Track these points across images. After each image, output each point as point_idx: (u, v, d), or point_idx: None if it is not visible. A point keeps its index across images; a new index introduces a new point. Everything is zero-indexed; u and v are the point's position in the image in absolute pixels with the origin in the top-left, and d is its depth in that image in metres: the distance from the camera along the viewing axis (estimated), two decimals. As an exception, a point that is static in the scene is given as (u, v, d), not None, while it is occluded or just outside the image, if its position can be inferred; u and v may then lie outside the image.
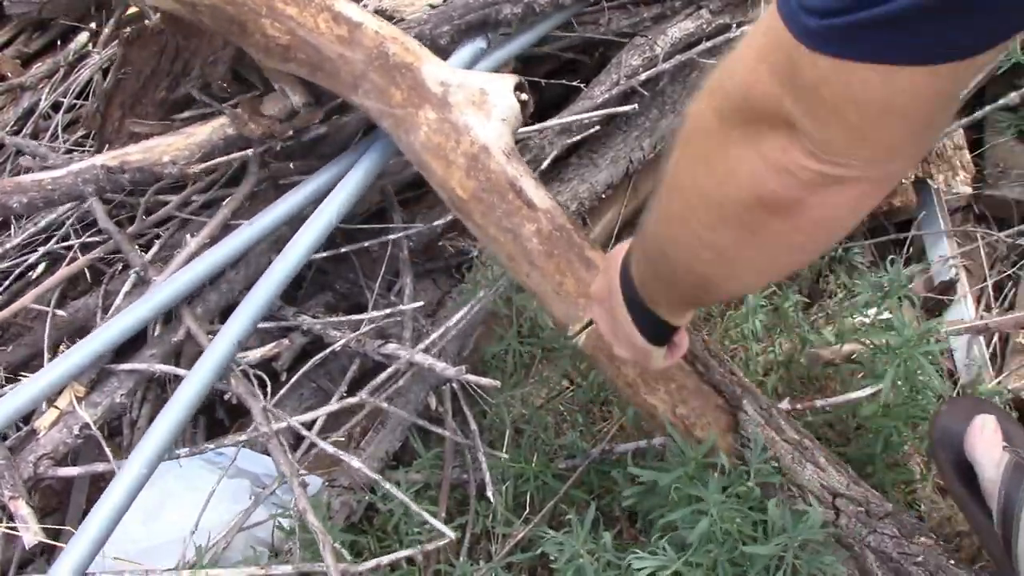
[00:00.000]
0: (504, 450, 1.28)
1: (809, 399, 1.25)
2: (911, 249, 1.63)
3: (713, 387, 1.04)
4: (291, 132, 1.25)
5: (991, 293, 1.54)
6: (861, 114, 0.45)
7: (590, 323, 1.02)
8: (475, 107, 1.09)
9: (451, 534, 1.09)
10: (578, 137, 1.46)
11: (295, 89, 1.24)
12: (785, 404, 1.19)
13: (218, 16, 1.15)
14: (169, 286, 1.16)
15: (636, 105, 1.53)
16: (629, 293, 0.74)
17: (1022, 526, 0.97)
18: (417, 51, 1.14)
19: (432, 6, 1.42)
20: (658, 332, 0.77)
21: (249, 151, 1.28)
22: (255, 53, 1.20)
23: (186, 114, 1.34)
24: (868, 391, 1.16)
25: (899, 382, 1.13)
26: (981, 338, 1.44)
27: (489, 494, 1.18)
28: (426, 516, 1.08)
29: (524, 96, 1.15)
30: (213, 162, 1.24)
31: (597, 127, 1.49)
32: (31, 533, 1.00)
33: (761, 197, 0.52)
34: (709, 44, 1.57)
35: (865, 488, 1.02)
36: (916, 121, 0.46)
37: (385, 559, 1.04)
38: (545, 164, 1.49)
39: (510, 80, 1.13)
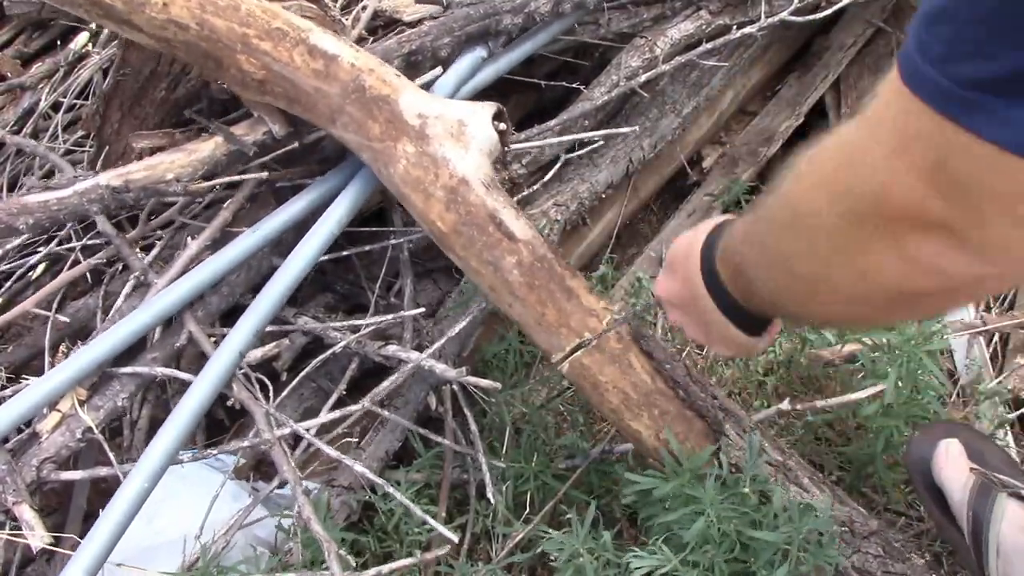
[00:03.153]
0: (504, 450, 1.28)
1: (810, 399, 1.25)
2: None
3: (695, 412, 1.05)
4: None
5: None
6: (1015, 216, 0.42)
7: (572, 351, 1.05)
8: (453, 139, 1.09)
9: (453, 537, 1.09)
10: (580, 152, 1.47)
11: (274, 118, 1.24)
12: (785, 404, 1.20)
13: (192, 51, 1.15)
14: (170, 294, 1.16)
15: (636, 128, 1.55)
16: (720, 295, 0.72)
17: (991, 546, 0.98)
18: (394, 82, 1.13)
19: (433, 16, 1.42)
20: (756, 324, 0.74)
21: (252, 175, 1.29)
22: (232, 86, 1.20)
23: (187, 130, 1.34)
24: (869, 391, 1.16)
25: (900, 382, 1.14)
26: (981, 338, 1.44)
27: (489, 495, 1.18)
28: (428, 520, 1.09)
29: (503, 125, 1.14)
30: (216, 182, 1.24)
31: (599, 142, 1.50)
32: (38, 539, 1.00)
33: (907, 292, 0.50)
34: (709, 45, 1.57)
35: (851, 507, 1.03)
36: None
37: (386, 568, 1.04)
38: (550, 175, 1.50)
39: (488, 109, 1.12)
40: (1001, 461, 1.09)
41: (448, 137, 1.09)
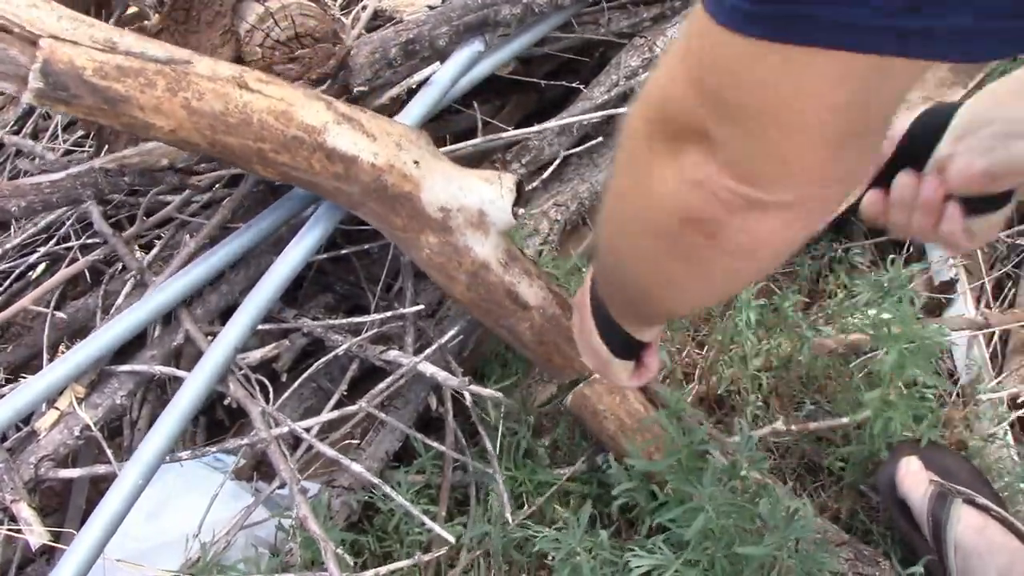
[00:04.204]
0: (504, 450, 1.28)
1: (803, 423, 1.29)
2: (911, 249, 1.63)
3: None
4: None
5: (990, 293, 1.54)
6: (781, 123, 0.39)
7: (573, 384, 1.22)
8: (474, 228, 1.12)
9: (450, 537, 1.09)
10: (580, 148, 1.48)
11: None
12: (779, 425, 1.24)
13: (203, 151, 1.12)
14: (166, 290, 1.16)
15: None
16: (595, 302, 0.72)
17: (949, 545, 1.07)
18: (415, 176, 1.11)
19: (431, 7, 1.43)
20: (623, 346, 0.74)
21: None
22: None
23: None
24: (859, 416, 1.20)
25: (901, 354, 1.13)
26: (981, 338, 1.44)
27: (502, 494, 1.19)
28: (425, 520, 1.09)
29: (521, 210, 1.17)
30: (211, 166, 1.24)
31: (598, 138, 1.51)
32: (36, 536, 1.00)
33: (682, 217, 0.47)
34: (708, 44, 1.57)
35: (824, 521, 1.15)
36: (851, 132, 0.39)
37: (384, 569, 1.04)
38: (548, 172, 1.50)
39: (509, 195, 1.13)
40: (967, 472, 1.17)
41: (469, 227, 1.12)
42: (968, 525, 1.08)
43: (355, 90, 1.35)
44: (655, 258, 0.54)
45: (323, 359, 1.20)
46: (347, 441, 1.24)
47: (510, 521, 1.17)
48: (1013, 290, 1.54)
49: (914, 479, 1.15)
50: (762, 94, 0.38)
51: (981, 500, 1.10)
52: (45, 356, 1.27)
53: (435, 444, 1.23)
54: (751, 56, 0.37)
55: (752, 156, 0.41)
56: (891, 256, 1.33)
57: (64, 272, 1.34)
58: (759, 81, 0.38)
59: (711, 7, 0.38)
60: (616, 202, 0.57)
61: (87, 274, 1.45)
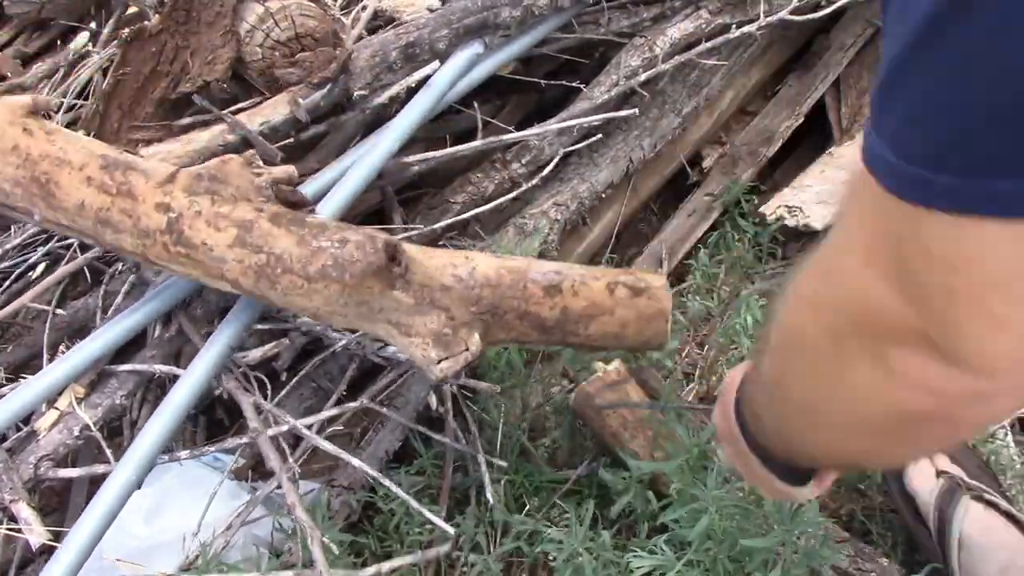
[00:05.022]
0: (504, 450, 1.28)
1: None
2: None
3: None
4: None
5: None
6: (1012, 299, 0.36)
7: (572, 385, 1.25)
8: None
9: (450, 530, 1.09)
10: (580, 145, 1.47)
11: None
12: None
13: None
14: (166, 289, 1.17)
15: (636, 110, 1.54)
16: (752, 443, 0.66)
17: (953, 540, 1.08)
18: None
19: (431, 9, 1.43)
20: (799, 474, 0.67)
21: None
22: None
23: (185, 120, 1.34)
24: None
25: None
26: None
27: (488, 495, 1.18)
28: (427, 514, 1.08)
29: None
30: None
31: (598, 135, 1.51)
32: (36, 535, 0.99)
33: (903, 415, 0.44)
34: (708, 44, 1.57)
35: (825, 519, 1.14)
36: None
37: (386, 565, 1.03)
38: (546, 171, 1.50)
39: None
40: (975, 466, 1.18)
41: None
42: (975, 520, 1.08)
43: (355, 94, 1.35)
44: (861, 445, 0.52)
45: (321, 355, 1.20)
46: (345, 439, 1.24)
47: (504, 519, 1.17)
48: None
49: (923, 476, 1.16)
50: (979, 274, 0.35)
51: (989, 496, 1.11)
52: (45, 356, 1.27)
53: (436, 435, 1.23)
54: (962, 235, 0.34)
55: (981, 347, 0.38)
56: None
57: (64, 269, 1.34)
58: (971, 258, 0.35)
59: (907, 192, 0.35)
60: (800, 406, 0.54)
61: (87, 274, 1.45)
